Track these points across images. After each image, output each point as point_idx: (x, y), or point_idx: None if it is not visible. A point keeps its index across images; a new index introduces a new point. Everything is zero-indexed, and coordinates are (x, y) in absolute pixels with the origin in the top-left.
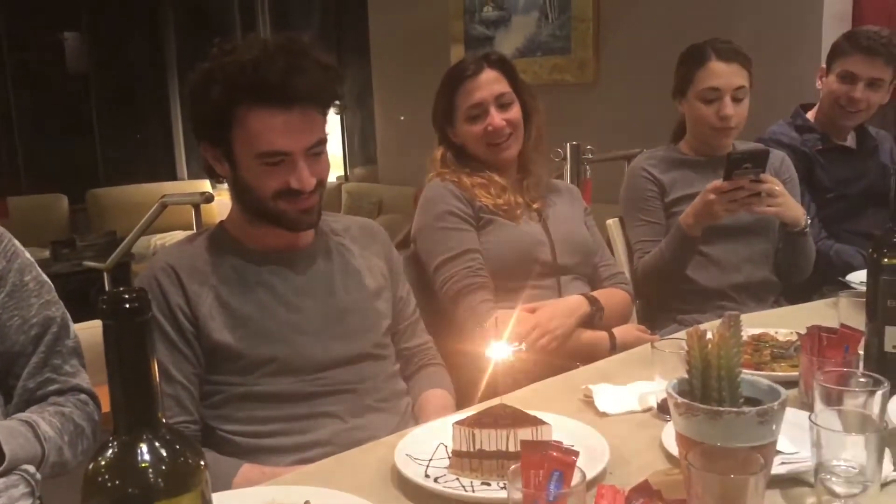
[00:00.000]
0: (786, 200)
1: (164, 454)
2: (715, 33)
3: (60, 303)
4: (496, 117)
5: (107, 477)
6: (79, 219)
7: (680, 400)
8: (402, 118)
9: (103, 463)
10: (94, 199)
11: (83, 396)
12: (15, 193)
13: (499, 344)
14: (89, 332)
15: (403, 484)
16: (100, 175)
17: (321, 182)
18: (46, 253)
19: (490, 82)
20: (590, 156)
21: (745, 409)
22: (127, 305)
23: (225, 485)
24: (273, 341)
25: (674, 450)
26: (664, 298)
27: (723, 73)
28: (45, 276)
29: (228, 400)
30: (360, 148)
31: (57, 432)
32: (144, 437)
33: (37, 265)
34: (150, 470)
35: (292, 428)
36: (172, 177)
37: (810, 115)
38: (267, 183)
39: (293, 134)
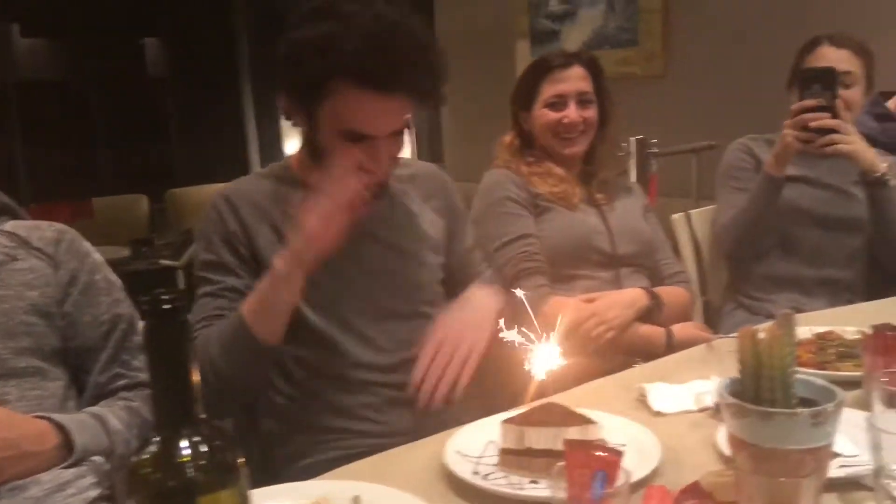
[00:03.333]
0: (858, 142)
1: (204, 450)
2: (789, 24)
3: (128, 301)
4: (573, 112)
5: (149, 471)
6: (158, 218)
7: (730, 400)
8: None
9: (145, 457)
10: (172, 199)
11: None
12: (99, 194)
13: (553, 334)
14: None
15: (453, 481)
16: (177, 175)
17: (395, 160)
18: (127, 251)
19: (577, 78)
20: (655, 150)
21: (798, 410)
22: (167, 306)
23: (237, 320)
24: (326, 283)
25: (728, 451)
26: (735, 281)
27: (831, 59)
28: (113, 276)
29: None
30: (427, 144)
31: (125, 426)
32: (184, 433)
33: (106, 265)
34: (190, 464)
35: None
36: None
37: (892, 103)
38: (342, 156)
39: (381, 121)
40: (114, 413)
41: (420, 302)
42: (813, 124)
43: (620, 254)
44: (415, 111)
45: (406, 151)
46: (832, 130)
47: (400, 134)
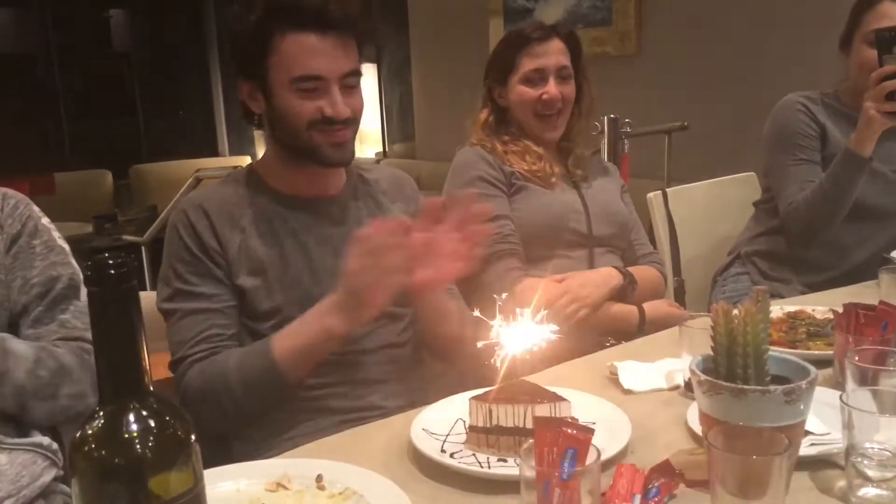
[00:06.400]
0: None
1: (153, 424)
2: (760, 5)
3: (72, 265)
4: (553, 87)
5: (93, 446)
6: (122, 194)
7: (703, 377)
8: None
9: (90, 432)
10: (136, 175)
11: (87, 346)
12: (61, 169)
13: (527, 313)
14: None
15: (419, 459)
16: (143, 151)
17: (355, 116)
18: (90, 227)
19: (557, 52)
20: (628, 129)
21: (771, 387)
22: (112, 271)
23: (268, 362)
24: (286, 289)
25: (698, 429)
26: (755, 250)
27: (895, 16)
28: (59, 242)
29: (244, 342)
30: (398, 124)
31: (33, 357)
32: (132, 407)
33: (53, 231)
34: (138, 440)
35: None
36: (214, 153)
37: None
38: (301, 110)
39: (328, 58)
40: (22, 341)
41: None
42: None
43: (596, 235)
44: (355, 52)
45: (376, 127)
46: None
47: (353, 84)
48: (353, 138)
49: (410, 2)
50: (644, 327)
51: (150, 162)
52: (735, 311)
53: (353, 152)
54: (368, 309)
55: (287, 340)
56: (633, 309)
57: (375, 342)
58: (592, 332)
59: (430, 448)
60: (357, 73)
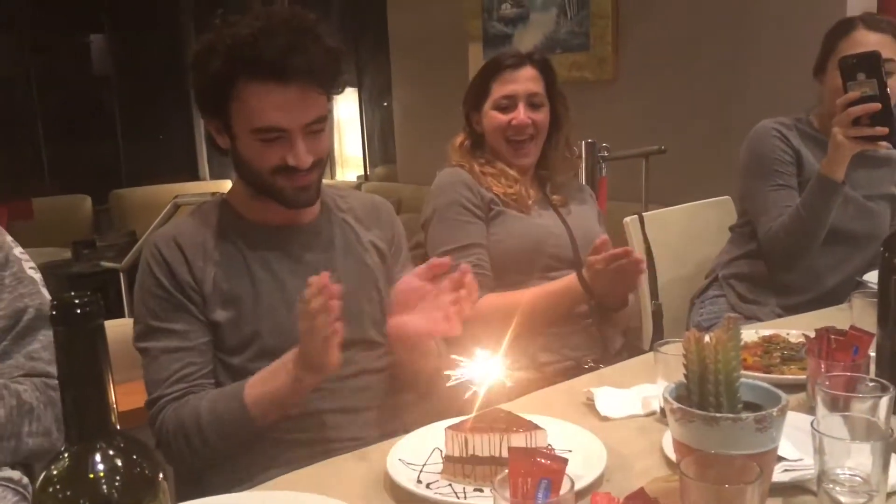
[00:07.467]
0: None
1: (119, 464)
2: (736, 30)
3: (42, 296)
4: (523, 113)
5: (58, 487)
6: (102, 219)
7: (676, 405)
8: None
9: (55, 472)
10: (116, 200)
11: (52, 381)
12: (40, 194)
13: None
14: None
15: (395, 490)
16: (122, 175)
17: (319, 160)
18: (68, 253)
19: (527, 79)
20: (605, 153)
21: (743, 415)
22: (78, 311)
23: (239, 407)
24: (260, 320)
25: (674, 455)
26: (732, 273)
27: (869, 43)
28: (31, 273)
29: (219, 376)
30: (379, 147)
31: None
32: (98, 447)
33: (25, 262)
34: (104, 481)
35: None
36: (195, 177)
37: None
38: (264, 158)
39: (289, 111)
40: None
41: (361, 329)
42: (857, 111)
43: (583, 258)
44: (320, 100)
45: (357, 151)
46: (886, 121)
47: (317, 131)
48: (320, 178)
49: (391, 26)
50: (589, 287)
51: (130, 186)
52: (707, 339)
53: (318, 191)
54: (327, 365)
55: (258, 387)
56: (569, 275)
57: (352, 368)
58: (545, 322)
59: (406, 478)
60: (322, 119)
